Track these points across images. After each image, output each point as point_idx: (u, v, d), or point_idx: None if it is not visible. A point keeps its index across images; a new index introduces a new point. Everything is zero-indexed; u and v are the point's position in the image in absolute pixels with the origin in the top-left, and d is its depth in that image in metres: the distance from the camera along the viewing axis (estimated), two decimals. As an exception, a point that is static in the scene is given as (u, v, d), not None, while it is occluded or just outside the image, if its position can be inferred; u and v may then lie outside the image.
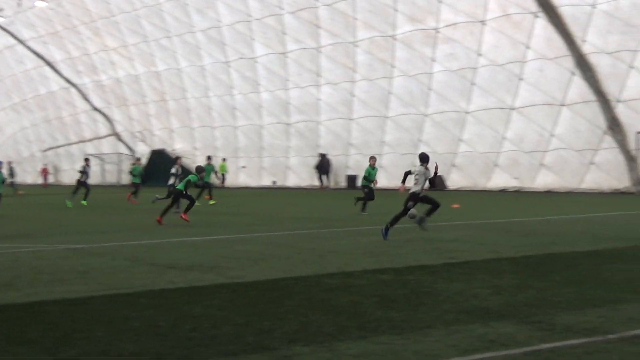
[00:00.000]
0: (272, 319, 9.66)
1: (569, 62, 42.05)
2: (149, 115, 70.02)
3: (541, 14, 42.03)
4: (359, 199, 29.46)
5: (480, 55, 45.57)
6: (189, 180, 25.36)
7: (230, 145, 63.25)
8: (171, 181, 30.81)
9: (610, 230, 20.88)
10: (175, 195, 25.50)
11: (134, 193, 39.39)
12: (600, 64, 40.97)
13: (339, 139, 55.52)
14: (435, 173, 19.95)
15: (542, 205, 32.60)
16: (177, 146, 66.89)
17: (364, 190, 29.34)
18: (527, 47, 43.43)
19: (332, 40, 52.50)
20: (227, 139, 63.43)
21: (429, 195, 20.11)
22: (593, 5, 39.75)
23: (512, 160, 46.28)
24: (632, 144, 40.71)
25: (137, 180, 40.67)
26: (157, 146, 69.09)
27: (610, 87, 41.06)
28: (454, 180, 49.24)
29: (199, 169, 26.99)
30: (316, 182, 56.47)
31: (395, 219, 19.19)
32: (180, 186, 25.47)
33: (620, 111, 41.11)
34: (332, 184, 56.46)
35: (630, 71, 39.91)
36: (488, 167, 47.51)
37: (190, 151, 65.20)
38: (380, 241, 18.66)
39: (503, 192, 45.58)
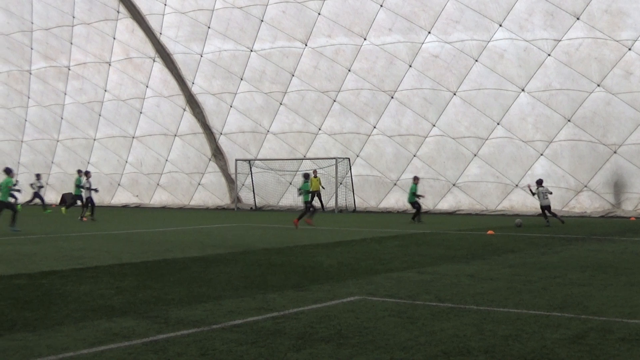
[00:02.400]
0: None
1: (181, 100, 42.66)
2: None
3: (158, 59, 42.34)
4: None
5: (106, 91, 44.97)
6: None
7: None
8: None
9: (214, 240, 21.31)
10: None
11: None
12: (206, 102, 41.99)
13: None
14: None
15: (159, 219, 32.68)
16: None
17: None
18: (147, 85, 43.49)
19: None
20: None
21: None
22: (201, 54, 40.69)
23: (133, 180, 46.02)
24: (231, 168, 42.08)
25: None
26: None
27: (214, 122, 42.20)
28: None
29: None
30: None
31: None
32: None
33: (222, 142, 42.38)
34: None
35: (230, 109, 41.29)
36: (112, 186, 46.90)
37: None
38: (15, 250, 17.73)
39: (125, 207, 45.17)
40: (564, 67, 32.30)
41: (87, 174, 33.84)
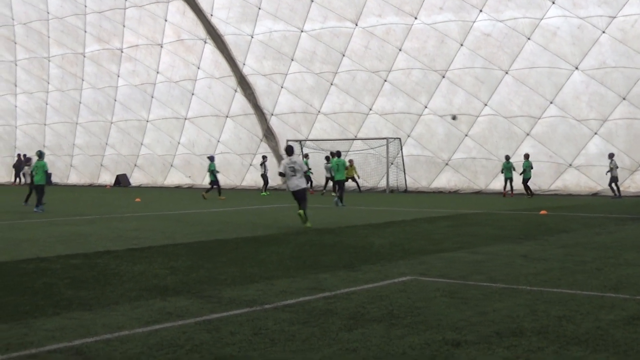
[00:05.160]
0: (-29, 301, 9.07)
1: (232, 81, 42.84)
2: None
3: (209, 40, 42.55)
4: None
5: (158, 72, 45.35)
6: None
7: None
8: None
9: (266, 220, 21.44)
10: None
11: None
12: (257, 83, 42.12)
13: (34, 141, 53.20)
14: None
15: (211, 199, 32.91)
16: None
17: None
18: (198, 67, 43.76)
19: (27, 54, 50.32)
20: None
21: None
22: (251, 36, 40.79)
23: (186, 161, 46.44)
24: (282, 149, 42.17)
25: None
26: None
27: (265, 103, 42.32)
28: (137, 178, 48.70)
29: None
30: (12, 179, 53.70)
31: None
32: None
33: (273, 123, 42.50)
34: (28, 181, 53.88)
35: (281, 90, 41.36)
36: (165, 167, 47.40)
37: None
38: (72, 231, 18.04)
39: (178, 188, 45.62)
40: (619, 44, 31.69)
41: (27, 160, 34.29)
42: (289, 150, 20.06)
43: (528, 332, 7.32)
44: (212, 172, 34.67)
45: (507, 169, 33.86)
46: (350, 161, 36.71)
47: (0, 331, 7.50)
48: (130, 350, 6.76)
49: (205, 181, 45.56)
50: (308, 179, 34.51)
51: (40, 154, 27.53)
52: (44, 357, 6.57)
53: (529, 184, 33.34)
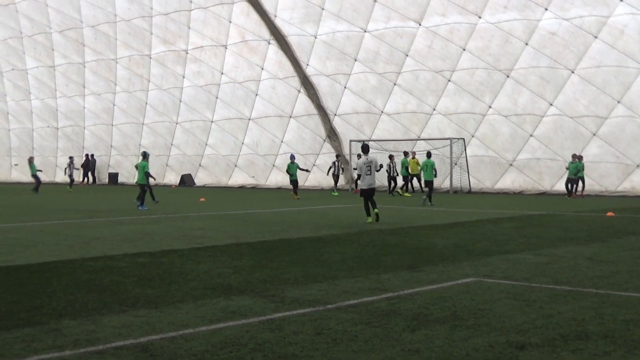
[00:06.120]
0: (41, 297, 9.28)
1: (295, 82, 43.02)
2: None
3: (273, 42, 42.79)
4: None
5: (222, 73, 45.77)
6: None
7: (4, 146, 60.23)
8: None
9: (329, 220, 21.44)
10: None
11: None
12: (321, 83, 42.22)
13: (101, 141, 54.20)
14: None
15: (274, 199, 33.09)
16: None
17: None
18: (262, 68, 44.04)
19: (95, 56, 51.27)
20: (1, 140, 60.30)
21: None
22: (315, 36, 40.90)
23: (249, 161, 46.77)
24: (346, 149, 42.20)
25: None
26: None
27: (328, 103, 42.39)
28: (201, 178, 49.24)
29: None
30: (81, 179, 54.72)
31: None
32: None
33: (337, 123, 42.55)
34: (96, 181, 54.90)
35: (344, 90, 41.39)
36: (229, 167, 47.81)
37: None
38: (138, 229, 18.32)
39: (242, 188, 45.96)
40: (690, 42, 30.97)
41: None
42: (365, 149, 20.46)
43: (594, 336, 7.20)
44: (294, 171, 34.92)
45: (576, 169, 33.14)
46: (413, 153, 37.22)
47: (69, 327, 7.66)
48: (194, 348, 6.84)
49: (269, 181, 45.94)
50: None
51: (145, 155, 28.29)
52: (110, 354, 6.68)
53: (573, 185, 33.13)
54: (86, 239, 16.09)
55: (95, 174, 54.71)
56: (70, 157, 46.20)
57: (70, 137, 55.94)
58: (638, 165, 33.31)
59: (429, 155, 31.41)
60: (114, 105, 52.08)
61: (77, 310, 8.55)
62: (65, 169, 43.15)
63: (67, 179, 44.75)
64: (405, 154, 36.32)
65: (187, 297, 9.31)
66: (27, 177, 57.22)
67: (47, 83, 54.80)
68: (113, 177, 53.57)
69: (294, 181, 34.73)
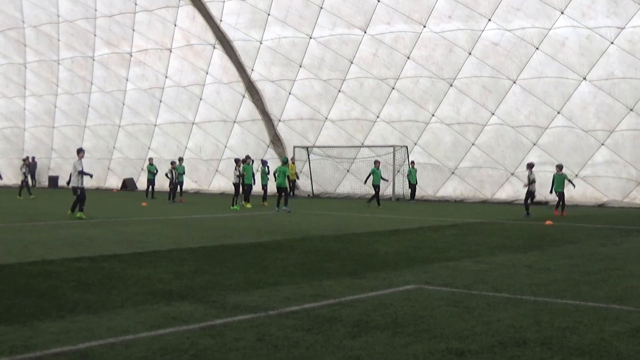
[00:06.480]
0: (-23, 302, 9.09)
1: (240, 87, 42.90)
2: None
3: (218, 46, 42.63)
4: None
5: (167, 77, 45.45)
6: None
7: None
8: None
9: (271, 226, 21.45)
10: None
11: None
12: (265, 89, 42.18)
13: (42, 144, 53.37)
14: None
15: (216, 205, 32.95)
16: None
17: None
18: (207, 72, 43.83)
19: (37, 57, 50.52)
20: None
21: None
22: (260, 42, 40.86)
23: (192, 166, 46.42)
24: (289, 155, 42.20)
25: None
26: None
27: (273, 109, 42.37)
28: (143, 182, 48.72)
29: None
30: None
31: None
32: None
33: (281, 129, 42.56)
34: (36, 184, 54.00)
35: (289, 96, 41.41)
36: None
37: None
38: (78, 233, 18.08)
39: (184, 193, 45.58)
40: (627, 55, 31.63)
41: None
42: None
43: (532, 343, 7.31)
44: (266, 175, 36.10)
45: (559, 182, 28.46)
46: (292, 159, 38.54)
47: (5, 333, 7.53)
48: (134, 355, 6.77)
49: (212, 186, 45.69)
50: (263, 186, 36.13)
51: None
52: (48, 360, 6.59)
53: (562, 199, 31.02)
54: (25, 243, 15.84)
55: (36, 177, 53.83)
56: (24, 159, 44.29)
57: (10, 138, 55.01)
58: (576, 175, 33.85)
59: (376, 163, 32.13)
60: (55, 107, 51.34)
61: (13, 315, 8.41)
62: (24, 172, 41.08)
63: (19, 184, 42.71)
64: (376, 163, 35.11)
65: (127, 303, 9.22)
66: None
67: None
68: (53, 180, 52.84)
69: (264, 186, 35.74)
